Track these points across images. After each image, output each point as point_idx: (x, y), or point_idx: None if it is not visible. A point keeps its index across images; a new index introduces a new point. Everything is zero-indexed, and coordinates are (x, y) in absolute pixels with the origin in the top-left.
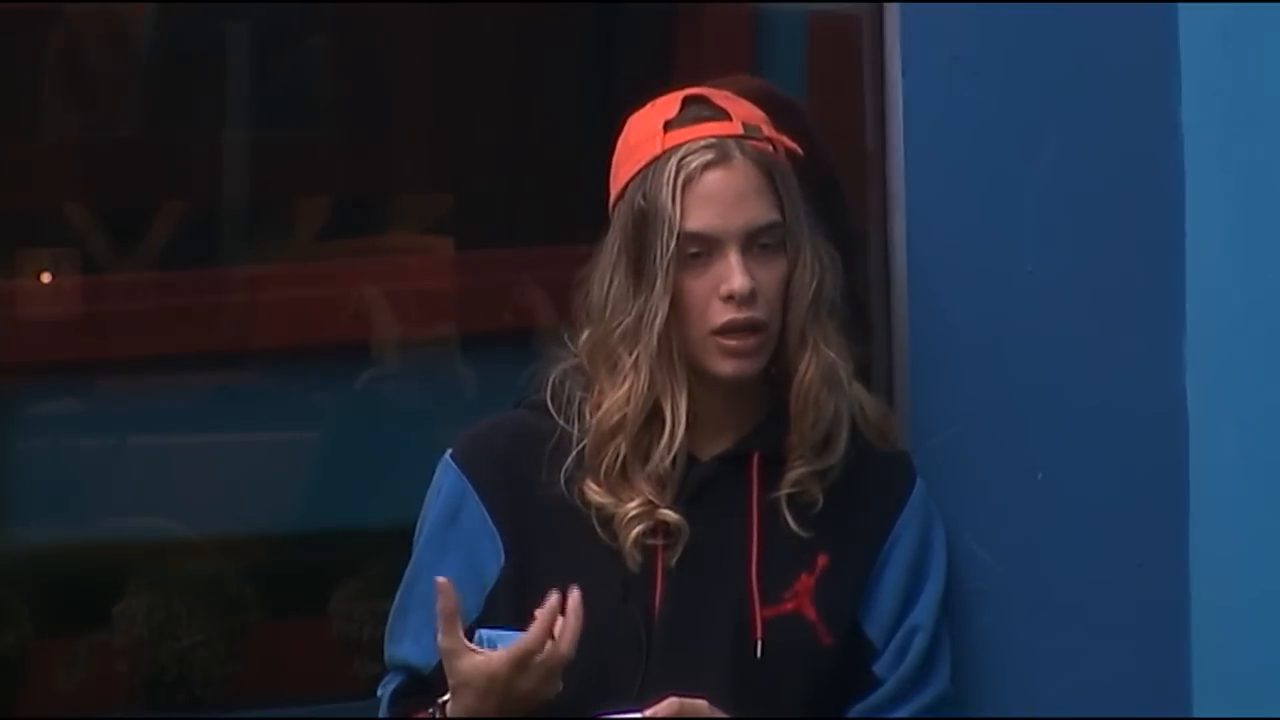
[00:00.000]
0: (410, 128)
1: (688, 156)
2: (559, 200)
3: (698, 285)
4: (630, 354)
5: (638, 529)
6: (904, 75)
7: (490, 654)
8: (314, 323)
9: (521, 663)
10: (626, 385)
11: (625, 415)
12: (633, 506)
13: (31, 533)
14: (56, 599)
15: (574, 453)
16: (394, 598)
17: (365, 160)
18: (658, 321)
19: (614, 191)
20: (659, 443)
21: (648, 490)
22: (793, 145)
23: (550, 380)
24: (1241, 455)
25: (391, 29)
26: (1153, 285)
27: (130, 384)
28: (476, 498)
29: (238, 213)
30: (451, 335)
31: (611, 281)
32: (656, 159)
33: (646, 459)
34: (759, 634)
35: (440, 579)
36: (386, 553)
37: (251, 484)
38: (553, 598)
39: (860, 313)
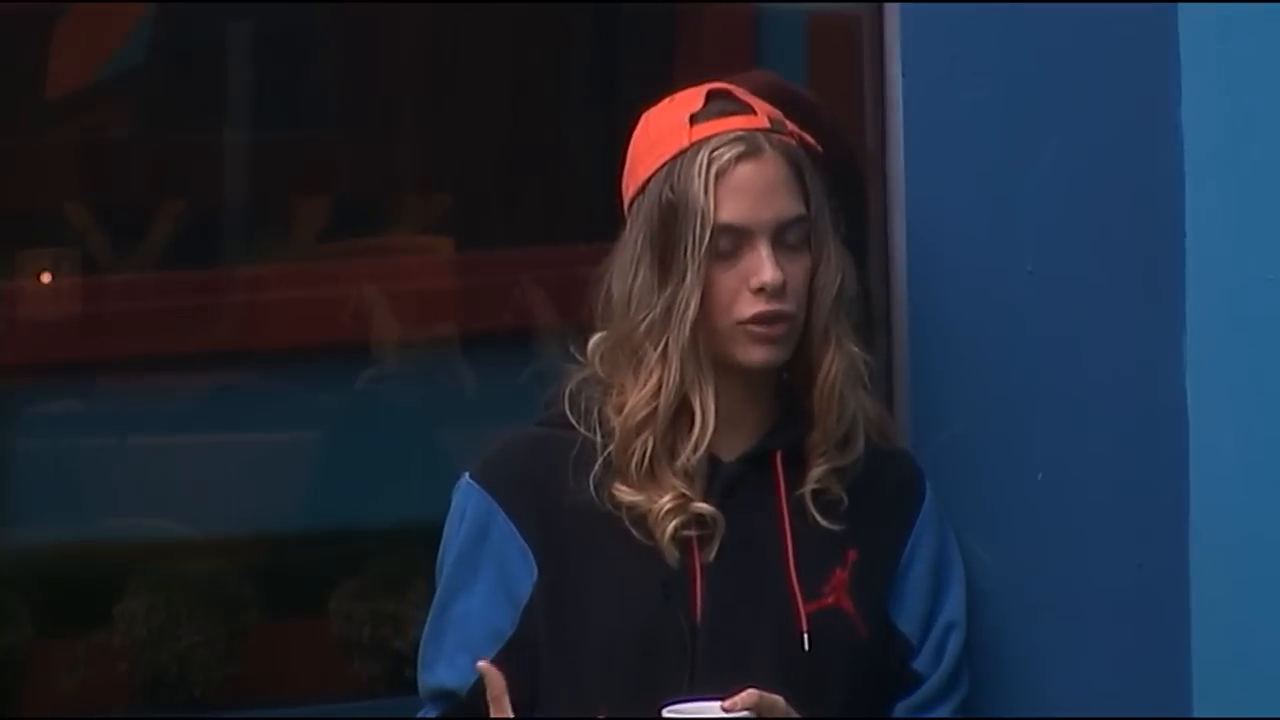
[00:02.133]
0: (410, 128)
1: (719, 149)
2: (559, 200)
3: (727, 278)
4: (657, 347)
5: (673, 523)
6: (904, 75)
7: None
8: (314, 323)
9: None
10: (655, 379)
11: (655, 408)
12: (666, 501)
13: (31, 533)
14: (56, 599)
15: (600, 458)
16: (424, 623)
17: (365, 160)
18: (690, 313)
19: (632, 186)
20: (687, 438)
21: (679, 485)
22: (812, 142)
23: (566, 392)
24: (1241, 455)
25: (391, 29)
26: (1153, 285)
27: (130, 384)
28: (503, 514)
29: (238, 213)
30: (451, 335)
31: (636, 276)
32: (684, 151)
33: (674, 455)
34: (805, 627)
35: (482, 663)
36: (386, 553)
37: (251, 484)
38: None
39: (871, 314)
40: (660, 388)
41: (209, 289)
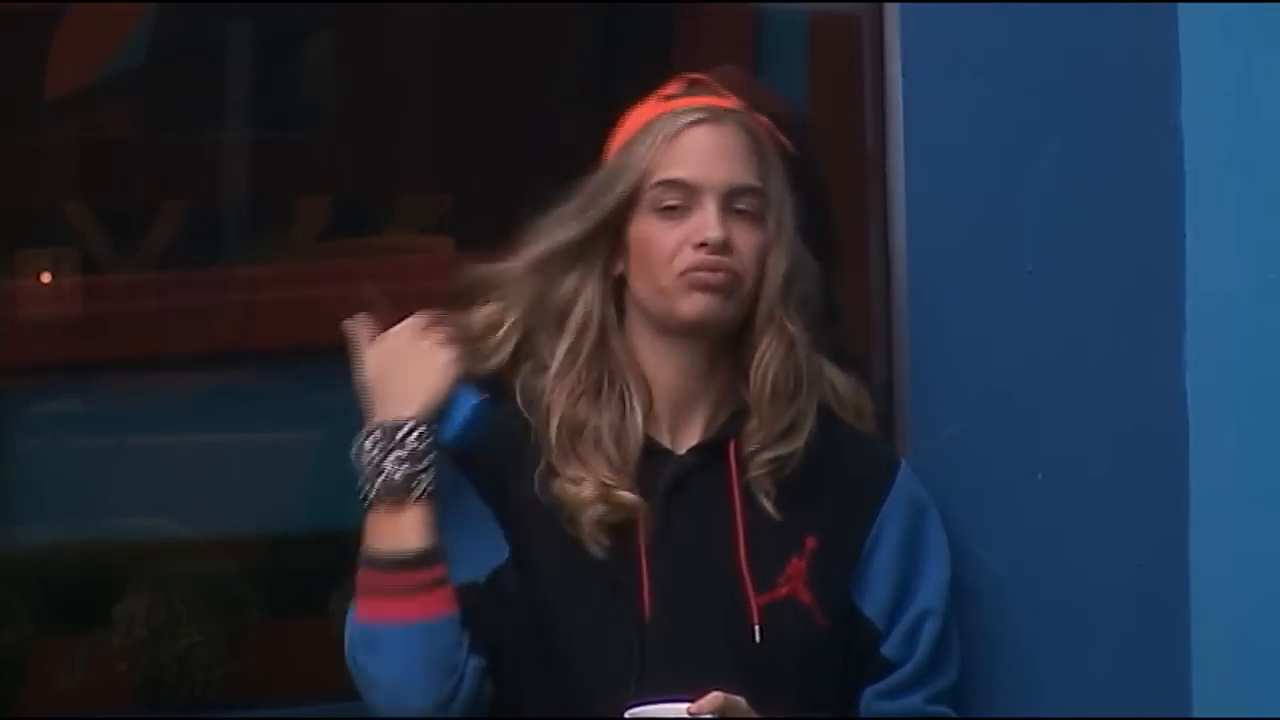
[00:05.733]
0: (410, 128)
1: (679, 115)
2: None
3: (672, 233)
4: (576, 300)
5: (596, 511)
6: (904, 75)
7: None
8: (314, 323)
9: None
10: (573, 336)
11: (575, 366)
12: (586, 487)
13: (31, 533)
14: (56, 599)
15: (546, 451)
16: None
17: (365, 160)
18: (600, 261)
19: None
20: (619, 423)
21: (605, 473)
22: (785, 141)
23: (515, 384)
24: (1241, 455)
25: (391, 29)
26: (1153, 286)
27: (130, 384)
28: (471, 486)
29: (238, 213)
30: None
31: (558, 234)
32: (650, 123)
33: (599, 444)
34: (756, 620)
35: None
36: None
37: (251, 484)
38: None
39: (836, 321)
40: (580, 338)
41: (209, 289)
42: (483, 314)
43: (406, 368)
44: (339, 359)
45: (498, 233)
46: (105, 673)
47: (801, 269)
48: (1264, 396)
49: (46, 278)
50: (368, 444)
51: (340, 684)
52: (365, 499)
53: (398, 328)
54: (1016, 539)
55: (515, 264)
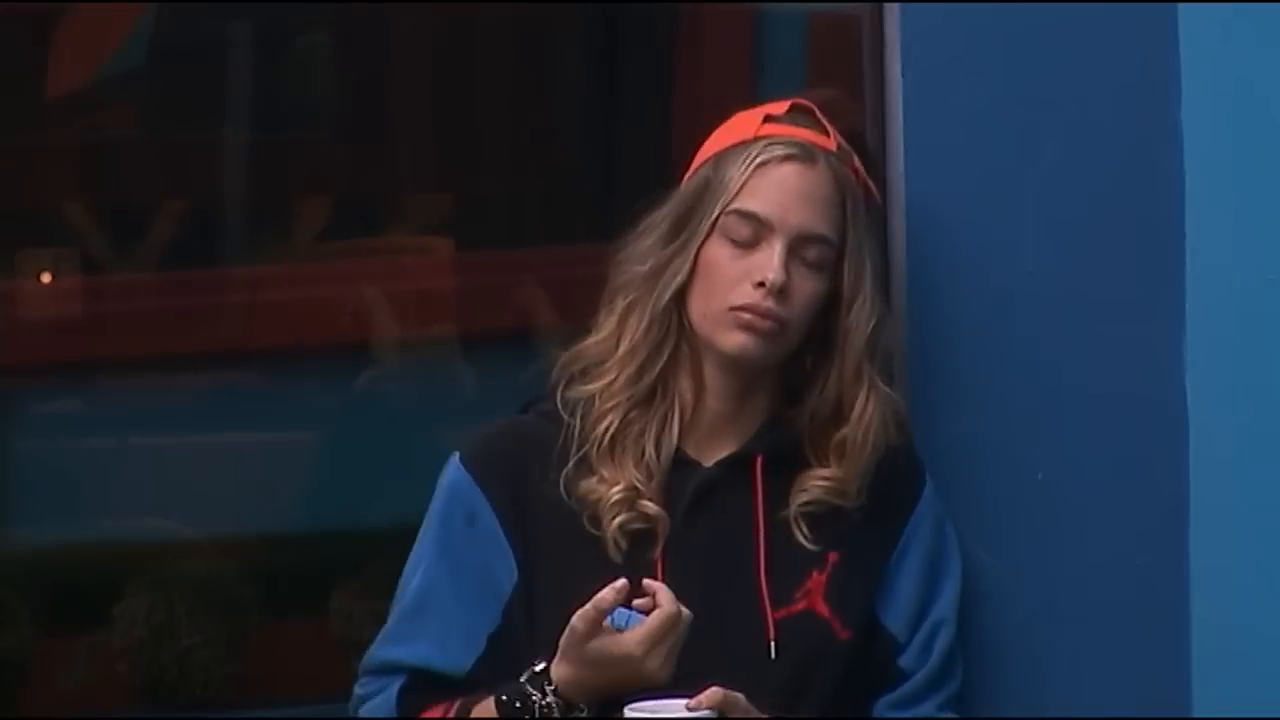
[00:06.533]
0: (410, 128)
1: (774, 146)
2: (559, 200)
3: (734, 265)
4: (629, 299)
5: (619, 516)
6: (904, 75)
7: (620, 635)
8: (314, 323)
9: (655, 639)
10: (628, 338)
11: (630, 373)
12: (616, 493)
13: (31, 533)
14: (56, 599)
15: (575, 454)
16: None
17: (365, 160)
18: (676, 280)
19: (689, 168)
20: (660, 427)
21: (636, 478)
22: (874, 190)
23: (555, 381)
24: (1242, 455)
25: (391, 29)
26: (1153, 285)
27: (130, 384)
28: (489, 507)
29: (238, 213)
30: (451, 335)
31: (644, 240)
32: (745, 142)
33: (640, 447)
34: (772, 635)
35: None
36: (386, 553)
37: (251, 484)
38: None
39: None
40: (633, 350)
41: (209, 289)
42: (597, 339)
43: (625, 680)
44: (339, 359)
45: (498, 233)
46: (105, 673)
47: (883, 322)
48: (1264, 396)
49: (46, 278)
50: (545, 700)
51: (340, 684)
52: (509, 712)
53: (657, 651)
54: (1016, 539)
55: (627, 282)
